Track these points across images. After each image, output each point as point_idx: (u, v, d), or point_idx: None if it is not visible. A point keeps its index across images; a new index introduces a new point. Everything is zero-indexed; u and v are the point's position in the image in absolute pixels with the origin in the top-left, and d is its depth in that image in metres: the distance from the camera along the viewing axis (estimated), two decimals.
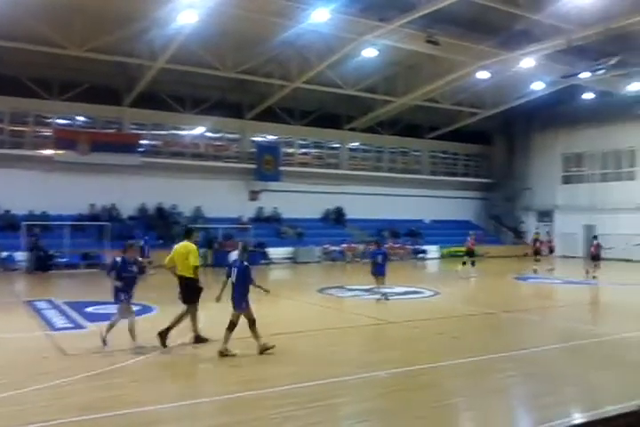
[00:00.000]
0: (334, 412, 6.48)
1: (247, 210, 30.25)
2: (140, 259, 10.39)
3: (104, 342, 8.91)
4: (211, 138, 30.89)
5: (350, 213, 32.99)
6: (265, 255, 27.17)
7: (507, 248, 34.98)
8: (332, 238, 29.79)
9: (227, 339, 8.63)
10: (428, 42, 21.18)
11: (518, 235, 37.14)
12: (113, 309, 9.49)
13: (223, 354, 8.60)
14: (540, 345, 10.02)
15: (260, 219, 30.54)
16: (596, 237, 22.75)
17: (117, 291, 9.07)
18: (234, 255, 9.97)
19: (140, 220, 27.64)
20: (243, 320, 8.74)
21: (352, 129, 33.78)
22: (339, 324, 11.81)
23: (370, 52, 23.23)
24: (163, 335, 9.11)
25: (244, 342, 8.86)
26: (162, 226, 27.08)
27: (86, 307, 13.28)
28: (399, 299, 15.80)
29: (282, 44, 23.18)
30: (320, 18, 19.40)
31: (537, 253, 25.05)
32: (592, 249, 21.95)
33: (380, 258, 15.11)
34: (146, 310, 12.96)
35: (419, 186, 35.60)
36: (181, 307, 9.47)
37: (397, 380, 7.66)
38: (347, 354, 9.15)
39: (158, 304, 13.46)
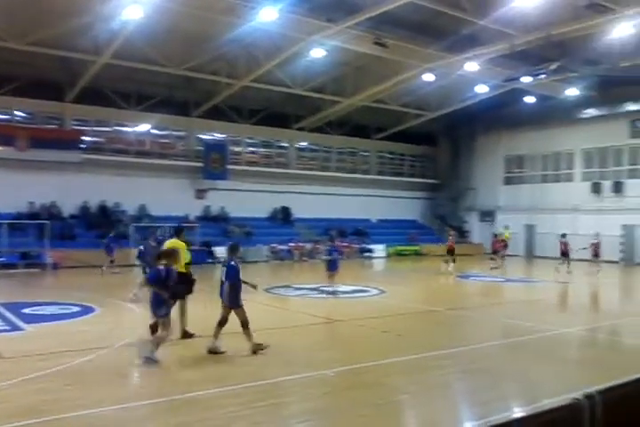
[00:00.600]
0: (279, 411, 6.47)
1: (194, 209, 29.84)
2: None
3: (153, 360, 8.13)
4: (156, 135, 30.29)
5: (298, 213, 33.01)
6: (211, 254, 26.85)
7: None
8: (279, 238, 29.75)
9: (215, 335, 8.71)
10: (376, 44, 21.40)
11: (462, 234, 37.97)
12: (51, 309, 9.20)
13: (213, 352, 8.66)
14: (481, 342, 10.27)
15: (207, 218, 30.19)
16: (564, 236, 23.74)
17: (160, 303, 8.31)
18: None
19: (82, 218, 26.89)
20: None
21: (300, 129, 33.81)
22: (285, 323, 11.80)
23: (318, 53, 23.29)
24: (185, 335, 9.66)
25: (186, 343, 8.73)
26: (104, 225, 26.41)
27: (24, 308, 12.80)
28: (346, 297, 15.91)
29: (229, 41, 22.95)
30: (268, 17, 19.31)
31: (495, 252, 26.62)
32: (562, 247, 23.24)
33: (335, 254, 16.03)
34: (87, 310, 12.62)
35: (366, 186, 35.96)
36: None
37: (343, 378, 7.71)
38: (293, 353, 9.14)
39: (101, 305, 13.12)
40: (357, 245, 32.35)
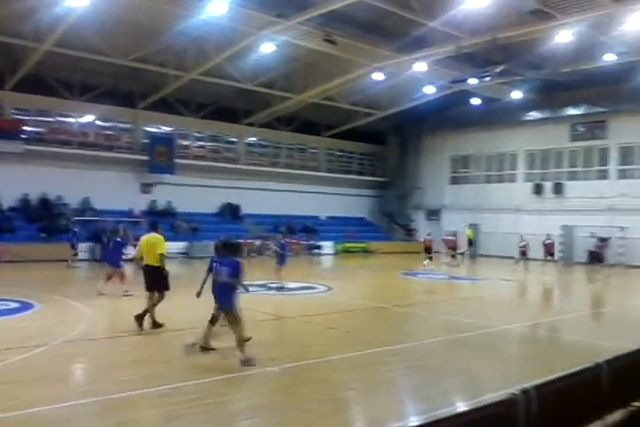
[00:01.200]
0: (222, 409, 6.40)
1: (139, 203, 29.24)
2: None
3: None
4: (101, 127, 29.51)
5: (247, 209, 32.80)
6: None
7: (398, 245, 36.25)
8: (227, 233, 29.39)
9: (207, 334, 8.57)
10: (326, 41, 21.44)
11: (409, 232, 38.59)
12: None
13: (204, 348, 8.50)
14: (426, 338, 10.45)
15: (152, 212, 29.60)
16: (549, 236, 25.10)
17: (229, 295, 8.16)
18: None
19: (22, 211, 25.96)
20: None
21: (250, 124, 33.58)
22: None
23: (268, 48, 23.15)
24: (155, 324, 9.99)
25: (130, 339, 8.54)
26: (46, 218, 25.58)
27: None
28: (293, 294, 15.92)
29: (178, 34, 22.55)
30: (218, 10, 19.05)
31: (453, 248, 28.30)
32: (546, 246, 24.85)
33: (285, 249, 16.67)
34: (26, 306, 12.20)
35: (315, 183, 36.05)
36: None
37: (288, 375, 7.70)
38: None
39: (41, 301, 12.71)
40: (306, 242, 32.41)
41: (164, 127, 31.52)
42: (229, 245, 8.68)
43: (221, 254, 8.61)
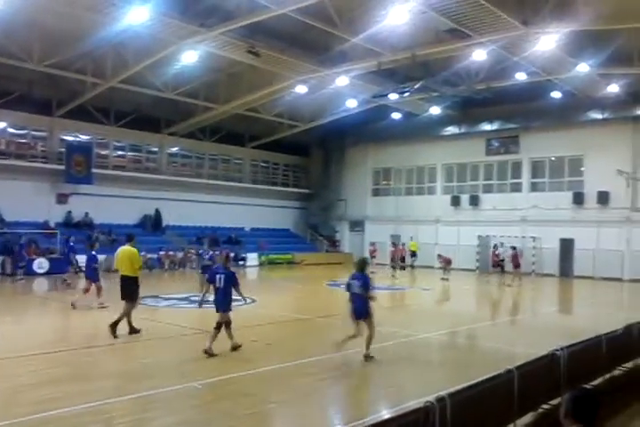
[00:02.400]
0: None
1: (55, 214, 28.05)
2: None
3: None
4: (14, 134, 28.16)
5: (169, 220, 32.13)
6: (74, 263, 25.27)
7: (322, 256, 36.51)
8: (149, 246, 28.70)
9: (213, 338, 9.46)
10: (249, 52, 21.45)
11: (333, 243, 38.97)
12: None
13: (208, 353, 9.26)
14: (348, 348, 10.56)
15: (69, 224, 28.47)
16: (514, 248, 25.73)
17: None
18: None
19: None
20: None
21: (172, 134, 33.01)
22: (152, 335, 11.38)
23: (190, 57, 22.85)
24: (113, 328, 10.48)
25: (41, 358, 8.17)
26: None
27: None
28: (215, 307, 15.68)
29: (97, 40, 21.86)
30: (138, 18, 18.64)
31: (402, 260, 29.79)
32: (494, 258, 26.12)
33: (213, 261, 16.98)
34: None
35: (240, 194, 35.78)
36: None
37: (211, 390, 7.60)
38: (159, 366, 8.87)
39: None
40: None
41: (81, 136, 30.44)
42: (364, 261, 10.24)
43: (357, 270, 9.79)
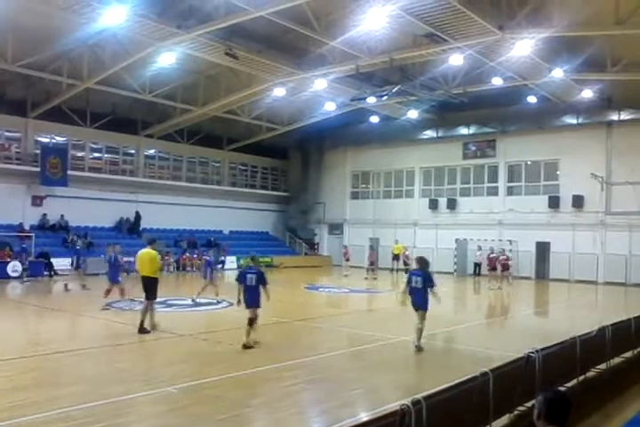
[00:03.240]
0: None
1: (29, 217, 27.62)
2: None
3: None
4: None
5: (147, 223, 31.82)
6: (49, 266, 24.94)
7: (301, 259, 36.46)
8: (125, 249, 28.36)
9: (248, 333, 10.31)
10: (227, 55, 21.36)
11: (312, 246, 38.95)
12: None
13: (246, 346, 10.17)
14: (326, 351, 10.55)
15: (44, 226, 28.05)
16: (503, 251, 25.75)
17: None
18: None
19: None
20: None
21: (149, 136, 32.73)
22: (126, 339, 11.23)
23: (168, 59, 22.72)
24: (142, 330, 11.45)
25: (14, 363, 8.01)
26: None
27: None
28: (192, 311, 15.58)
29: (73, 40, 21.64)
30: (115, 18, 18.46)
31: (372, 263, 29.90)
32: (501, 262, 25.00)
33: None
34: None
35: (218, 197, 35.61)
36: None
37: (186, 394, 7.51)
38: (133, 371, 8.76)
39: None
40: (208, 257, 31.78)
41: (57, 137, 30.03)
42: (424, 260, 11.10)
43: (419, 267, 10.88)
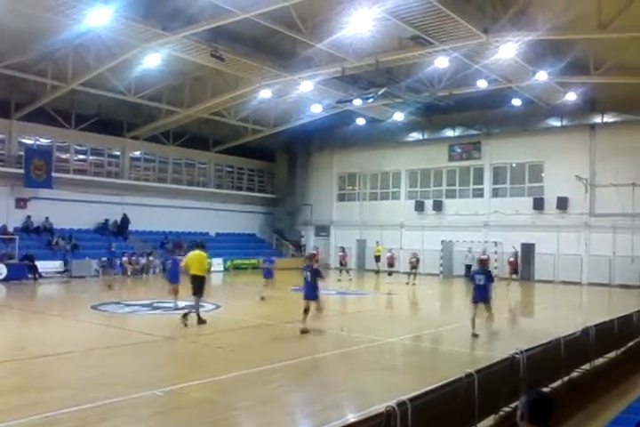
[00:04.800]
0: None
1: (13, 219, 27.32)
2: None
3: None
4: None
5: (132, 225, 31.62)
6: (33, 269, 24.71)
7: (288, 261, 36.33)
8: (111, 251, 28.25)
9: (304, 320, 12.19)
10: (213, 56, 21.31)
11: (298, 248, 38.93)
12: None
13: (304, 331, 12.09)
14: (313, 354, 10.56)
15: (28, 229, 27.78)
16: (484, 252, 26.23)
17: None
18: None
19: None
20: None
21: (135, 137, 32.54)
22: (112, 342, 11.19)
23: (153, 60, 22.59)
24: (200, 320, 13.09)
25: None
26: None
27: None
28: (179, 313, 15.48)
29: (58, 41, 21.46)
30: (100, 20, 18.31)
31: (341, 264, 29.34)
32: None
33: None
34: None
35: (205, 198, 35.49)
36: None
37: (172, 398, 7.48)
38: (120, 374, 8.69)
39: None
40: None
41: (41, 139, 29.76)
42: (484, 261, 13.76)
43: (480, 268, 13.46)
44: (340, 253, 29.85)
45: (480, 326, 12.49)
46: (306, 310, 12.30)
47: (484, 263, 13.56)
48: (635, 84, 23.70)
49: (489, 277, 12.79)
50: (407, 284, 25.13)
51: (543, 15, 19.00)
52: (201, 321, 13.19)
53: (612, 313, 11.92)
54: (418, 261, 26.35)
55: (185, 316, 12.96)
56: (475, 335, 12.23)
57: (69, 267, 25.68)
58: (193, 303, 14.65)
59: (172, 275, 16.28)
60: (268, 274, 19.65)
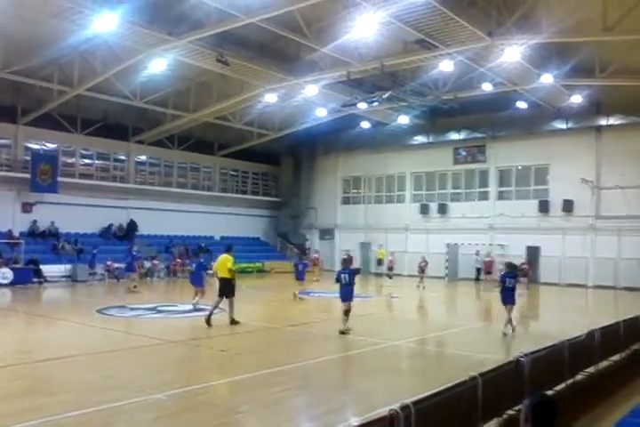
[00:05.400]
0: None
1: (19, 223, 27.44)
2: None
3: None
4: None
5: (139, 229, 31.70)
6: (38, 273, 24.80)
7: (292, 264, 36.32)
8: (116, 255, 28.29)
9: (345, 322, 12.72)
10: (218, 61, 21.39)
11: (303, 251, 38.89)
12: None
13: (344, 333, 12.57)
14: (317, 357, 10.55)
15: (34, 233, 27.90)
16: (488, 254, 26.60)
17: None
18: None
19: None
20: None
21: (140, 142, 32.67)
22: (117, 346, 11.20)
23: (159, 66, 22.71)
24: (233, 322, 13.63)
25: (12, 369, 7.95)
26: None
27: None
28: (183, 317, 15.54)
29: (64, 47, 21.59)
30: (106, 25, 18.44)
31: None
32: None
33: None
34: None
35: (209, 202, 35.56)
36: None
37: (176, 401, 7.48)
38: (124, 378, 8.71)
39: None
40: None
41: (47, 144, 29.91)
42: (513, 265, 14.50)
43: (509, 271, 13.71)
44: (316, 255, 30.23)
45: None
46: (346, 312, 12.79)
47: (512, 267, 13.97)
48: (639, 86, 23.66)
49: (515, 278, 13.75)
50: (418, 287, 24.95)
51: (548, 18, 19.00)
52: (233, 322, 13.64)
53: (617, 316, 11.87)
54: (427, 264, 26.32)
55: (209, 317, 13.40)
56: (505, 334, 13.18)
57: (94, 270, 26.34)
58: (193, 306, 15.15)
59: (196, 278, 17.27)
60: (301, 276, 21.04)
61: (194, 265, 18.35)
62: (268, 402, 7.56)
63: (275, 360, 9.99)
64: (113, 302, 18.76)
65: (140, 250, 25.91)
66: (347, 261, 13.62)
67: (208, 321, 13.35)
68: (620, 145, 27.78)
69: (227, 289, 13.76)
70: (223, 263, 14.05)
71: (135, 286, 21.65)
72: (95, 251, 26.39)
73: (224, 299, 13.69)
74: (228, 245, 15.31)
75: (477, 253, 29.91)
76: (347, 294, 12.92)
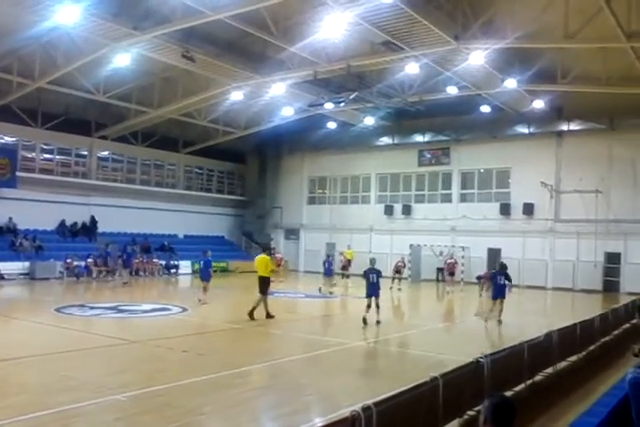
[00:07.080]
0: None
1: None
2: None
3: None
4: None
5: (99, 226, 31.11)
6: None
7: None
8: (76, 252, 27.71)
9: (367, 311, 14.34)
10: (184, 57, 21.14)
11: (268, 251, 38.71)
12: None
13: (366, 322, 14.16)
14: (280, 357, 10.52)
15: None
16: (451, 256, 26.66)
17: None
18: None
19: None
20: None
21: (103, 137, 32.04)
22: (75, 346, 10.96)
23: (123, 60, 22.27)
24: (268, 315, 14.85)
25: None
26: None
27: None
28: (145, 317, 15.32)
29: (24, 38, 21.03)
30: (68, 17, 17.98)
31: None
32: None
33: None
34: None
35: (173, 200, 35.10)
36: None
37: (136, 402, 7.36)
38: (82, 379, 8.52)
39: None
40: (162, 262, 31.36)
41: (6, 138, 29.08)
42: (504, 264, 16.17)
43: (501, 270, 15.80)
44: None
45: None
46: (369, 306, 14.35)
47: (503, 266, 15.81)
48: (599, 93, 24.27)
49: (508, 279, 15.51)
50: (391, 289, 24.55)
51: (512, 24, 19.33)
52: (269, 316, 14.80)
53: (574, 317, 12.15)
54: (404, 266, 26.65)
55: (251, 311, 14.54)
56: (500, 322, 15.38)
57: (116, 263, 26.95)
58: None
59: (204, 274, 18.71)
60: (329, 272, 23.03)
61: (202, 262, 19.39)
62: (231, 403, 7.50)
63: (237, 360, 9.93)
64: (72, 300, 18.38)
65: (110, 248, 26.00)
66: (372, 262, 15.01)
67: (268, 314, 14.83)
68: (579, 150, 28.47)
69: (265, 287, 15.06)
70: (265, 263, 15.32)
71: (125, 282, 22.69)
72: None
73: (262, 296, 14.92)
74: (265, 246, 16.92)
75: (441, 254, 30.22)
76: (374, 291, 14.50)
